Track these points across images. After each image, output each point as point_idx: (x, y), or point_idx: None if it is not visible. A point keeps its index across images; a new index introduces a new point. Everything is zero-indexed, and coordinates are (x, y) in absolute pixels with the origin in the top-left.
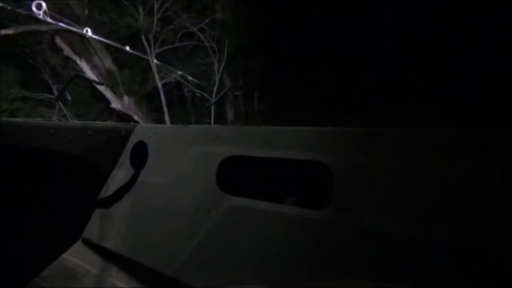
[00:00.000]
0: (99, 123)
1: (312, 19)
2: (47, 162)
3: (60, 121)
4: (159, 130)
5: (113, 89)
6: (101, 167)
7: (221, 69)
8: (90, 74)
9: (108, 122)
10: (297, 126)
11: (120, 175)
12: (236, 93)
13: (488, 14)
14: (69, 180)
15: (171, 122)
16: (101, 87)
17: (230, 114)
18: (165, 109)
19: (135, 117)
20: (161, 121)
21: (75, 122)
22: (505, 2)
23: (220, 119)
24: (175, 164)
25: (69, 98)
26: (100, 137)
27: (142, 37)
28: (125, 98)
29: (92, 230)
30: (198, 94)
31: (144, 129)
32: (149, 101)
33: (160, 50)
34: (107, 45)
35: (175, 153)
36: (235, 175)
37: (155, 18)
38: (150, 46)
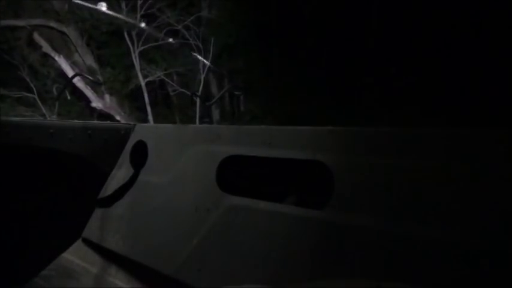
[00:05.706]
0: (98, 122)
1: (301, 17)
2: (47, 161)
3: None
4: (158, 130)
5: (94, 87)
6: (100, 166)
7: (206, 68)
8: (70, 73)
9: (108, 122)
10: (297, 126)
11: (120, 175)
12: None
13: (488, 14)
14: (69, 180)
15: (155, 122)
16: (81, 85)
17: (216, 114)
18: (149, 108)
19: (117, 117)
20: (144, 121)
21: (75, 122)
22: (505, 1)
23: (207, 118)
24: (175, 164)
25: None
26: (100, 136)
27: (125, 34)
28: (107, 97)
29: (91, 229)
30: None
31: (143, 128)
32: (132, 100)
33: (144, 47)
34: (88, 42)
35: (175, 152)
36: (235, 175)
37: (138, 15)
38: (133, 43)
